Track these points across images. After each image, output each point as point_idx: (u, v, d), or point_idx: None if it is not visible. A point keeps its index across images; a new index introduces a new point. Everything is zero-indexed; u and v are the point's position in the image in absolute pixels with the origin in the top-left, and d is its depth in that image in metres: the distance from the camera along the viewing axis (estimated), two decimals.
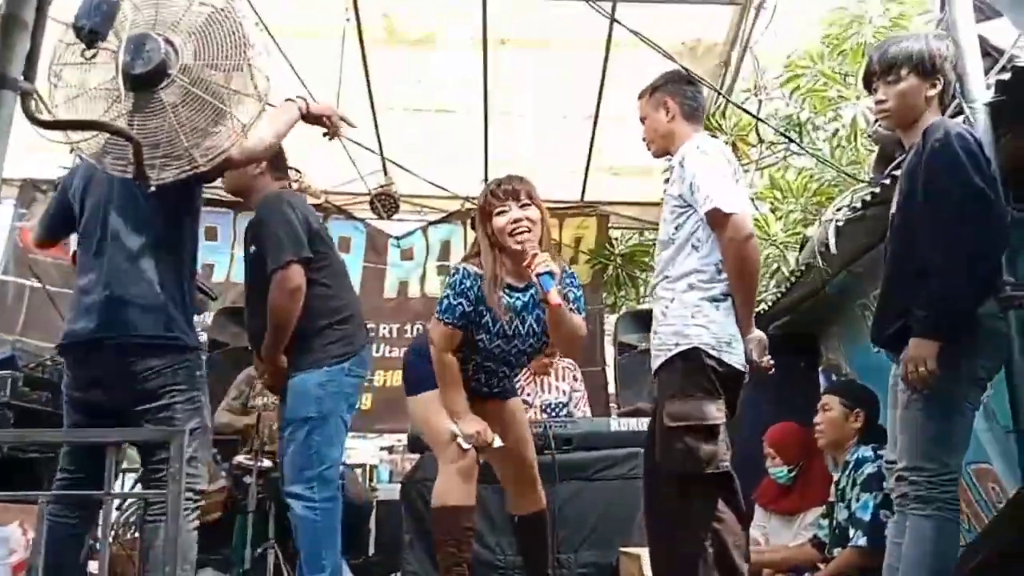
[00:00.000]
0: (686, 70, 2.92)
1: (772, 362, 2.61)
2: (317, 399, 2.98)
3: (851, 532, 3.07)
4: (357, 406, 3.24)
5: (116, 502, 3.77)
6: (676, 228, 2.65)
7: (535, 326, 2.92)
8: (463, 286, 2.86)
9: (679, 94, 2.79)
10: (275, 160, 3.24)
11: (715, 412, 2.48)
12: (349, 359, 3.07)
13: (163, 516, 2.43)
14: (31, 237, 2.91)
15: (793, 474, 3.68)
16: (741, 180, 2.69)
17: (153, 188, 2.32)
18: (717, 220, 2.51)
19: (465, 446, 2.83)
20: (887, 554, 2.40)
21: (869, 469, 3.06)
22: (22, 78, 2.03)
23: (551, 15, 4.79)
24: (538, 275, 2.68)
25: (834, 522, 3.26)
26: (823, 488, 3.65)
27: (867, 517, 3.00)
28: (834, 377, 4.58)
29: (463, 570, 2.85)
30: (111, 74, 2.30)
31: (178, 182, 2.36)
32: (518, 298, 2.89)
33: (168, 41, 2.30)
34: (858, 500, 3.06)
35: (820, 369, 4.88)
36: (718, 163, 2.58)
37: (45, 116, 2.13)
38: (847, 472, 3.18)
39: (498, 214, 2.85)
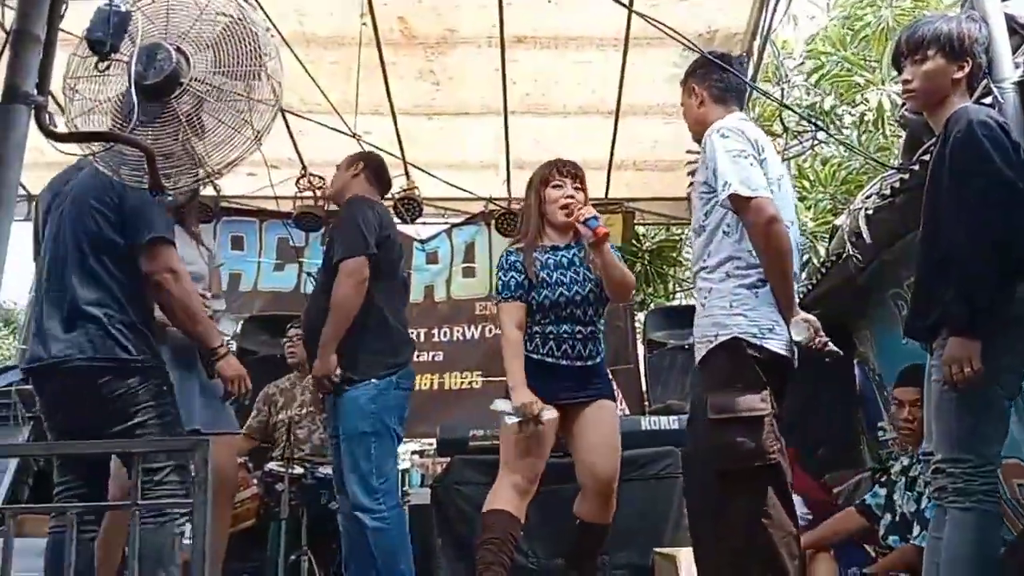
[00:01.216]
0: (708, 55, 2.83)
1: (827, 342, 2.49)
2: (372, 414, 3.09)
3: (915, 529, 2.97)
4: None
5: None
6: (706, 215, 2.60)
7: (588, 273, 3.06)
8: (510, 262, 3.09)
9: (707, 78, 2.77)
10: (377, 171, 3.49)
11: (759, 403, 2.39)
12: (398, 372, 3.17)
13: (150, 524, 2.43)
14: None
15: None
16: (769, 159, 2.57)
17: (171, 197, 2.33)
18: (738, 205, 2.44)
19: (510, 421, 2.84)
20: (927, 548, 2.33)
21: None
22: (35, 92, 2.05)
23: (567, 11, 4.74)
24: (584, 221, 2.94)
25: (897, 507, 3.15)
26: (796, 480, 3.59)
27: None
28: (867, 369, 4.49)
29: (500, 571, 2.84)
30: (125, 85, 2.30)
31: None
32: (563, 255, 3.10)
33: (179, 50, 2.29)
34: (930, 500, 2.96)
35: (855, 361, 4.79)
36: (737, 145, 2.49)
37: (60, 129, 2.15)
38: (923, 464, 3.07)
39: (554, 187, 3.12)
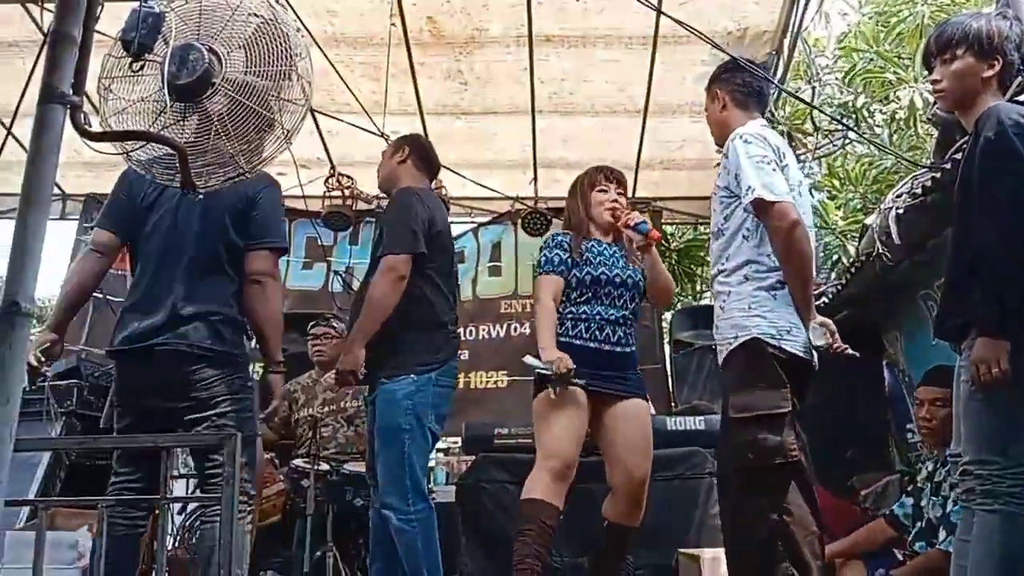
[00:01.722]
0: (736, 57, 2.85)
1: (845, 347, 2.50)
2: (407, 410, 3.02)
3: (941, 533, 2.94)
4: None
5: (178, 507, 3.86)
6: (725, 219, 2.65)
7: (627, 265, 3.18)
8: (556, 241, 3.21)
9: (730, 83, 2.81)
10: (424, 154, 3.45)
11: (780, 401, 2.42)
12: (438, 368, 3.11)
13: (217, 518, 2.48)
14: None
15: None
16: (791, 166, 2.62)
17: (201, 196, 2.36)
18: (761, 209, 2.48)
19: (544, 371, 2.88)
20: (954, 551, 2.30)
21: None
22: (71, 92, 2.09)
23: (596, 10, 4.74)
24: (635, 225, 3.08)
25: (924, 513, 3.12)
26: None
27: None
28: (897, 371, 4.44)
29: (535, 563, 2.84)
30: (158, 85, 2.33)
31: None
32: (605, 248, 3.20)
33: (212, 50, 2.33)
34: (955, 503, 2.93)
35: (885, 363, 4.74)
36: (760, 151, 2.54)
37: (94, 129, 2.19)
38: (948, 468, 3.04)
39: (600, 190, 3.25)
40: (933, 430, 3.12)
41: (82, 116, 2.11)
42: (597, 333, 3.07)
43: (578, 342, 3.04)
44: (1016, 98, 2.40)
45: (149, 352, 2.62)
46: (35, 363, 2.74)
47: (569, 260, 3.13)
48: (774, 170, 2.51)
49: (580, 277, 3.11)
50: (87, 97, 2.21)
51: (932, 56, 2.36)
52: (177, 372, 2.60)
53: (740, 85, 2.79)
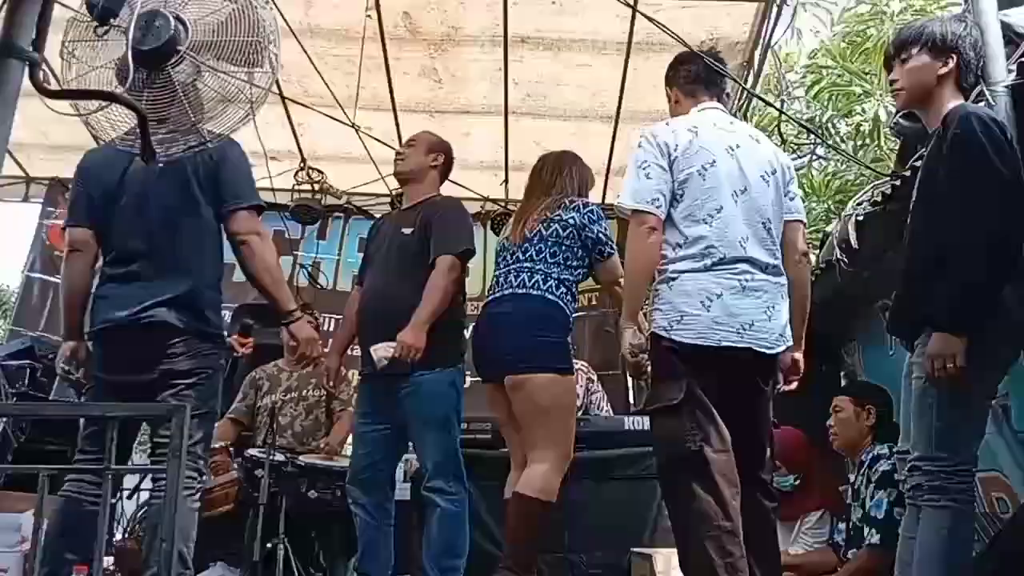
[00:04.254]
0: (709, 55, 2.86)
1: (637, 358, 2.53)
2: (453, 399, 3.20)
3: (865, 531, 3.00)
4: None
5: (127, 493, 3.79)
6: None
7: None
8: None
9: (675, 78, 2.84)
10: (447, 170, 3.68)
11: (675, 392, 2.34)
12: (462, 364, 3.29)
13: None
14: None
15: (797, 482, 3.62)
16: (687, 152, 2.50)
17: (161, 164, 2.34)
18: (629, 215, 2.52)
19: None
20: (899, 548, 2.32)
21: (884, 467, 3.00)
22: (31, 48, 2.05)
23: (571, 13, 4.76)
24: None
25: (850, 524, 3.19)
26: (824, 492, 3.59)
27: (881, 515, 2.94)
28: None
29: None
30: (122, 50, 2.30)
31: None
32: None
33: (178, 18, 2.31)
34: (872, 498, 3.00)
35: (842, 374, 4.78)
36: (643, 156, 2.53)
37: (54, 87, 2.15)
38: (862, 471, 3.12)
39: None
40: (837, 434, 3.34)
41: (41, 73, 2.08)
42: None
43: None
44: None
45: (134, 327, 2.62)
46: (68, 375, 2.77)
47: None
48: (648, 176, 2.48)
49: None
50: (47, 65, 2.18)
51: (892, 59, 2.42)
52: (160, 346, 2.61)
53: (684, 75, 2.78)
